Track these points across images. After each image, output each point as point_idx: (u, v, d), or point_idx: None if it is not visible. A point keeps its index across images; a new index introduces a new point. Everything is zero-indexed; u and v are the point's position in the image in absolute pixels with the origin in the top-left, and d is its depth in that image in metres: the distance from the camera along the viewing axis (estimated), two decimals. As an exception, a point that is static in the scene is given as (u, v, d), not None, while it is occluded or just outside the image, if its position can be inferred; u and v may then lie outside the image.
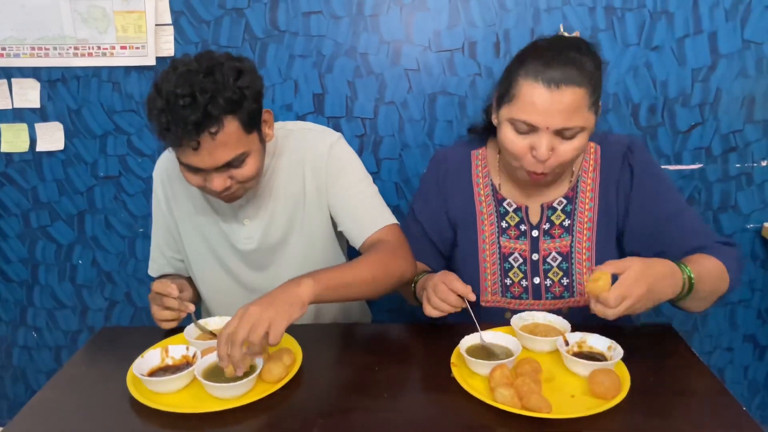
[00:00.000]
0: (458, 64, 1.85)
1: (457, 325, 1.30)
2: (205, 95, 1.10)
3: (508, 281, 1.38)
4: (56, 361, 2.25)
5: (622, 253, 1.38)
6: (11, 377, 2.27)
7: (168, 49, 1.86)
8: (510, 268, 1.38)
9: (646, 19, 1.78)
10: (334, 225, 1.46)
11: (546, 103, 1.17)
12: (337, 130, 1.89)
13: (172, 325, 1.32)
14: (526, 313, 1.27)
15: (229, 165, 1.19)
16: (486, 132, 1.45)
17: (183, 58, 1.18)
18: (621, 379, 1.05)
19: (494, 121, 1.32)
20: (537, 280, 1.37)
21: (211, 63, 1.15)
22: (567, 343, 1.16)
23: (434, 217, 1.46)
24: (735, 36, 1.79)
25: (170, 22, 1.85)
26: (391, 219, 1.41)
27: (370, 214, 1.39)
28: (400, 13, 1.82)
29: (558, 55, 1.18)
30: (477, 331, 1.20)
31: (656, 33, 1.79)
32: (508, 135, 1.24)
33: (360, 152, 1.94)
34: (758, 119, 1.85)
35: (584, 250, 1.36)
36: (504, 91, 1.25)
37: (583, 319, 1.25)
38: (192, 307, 1.29)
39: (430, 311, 1.23)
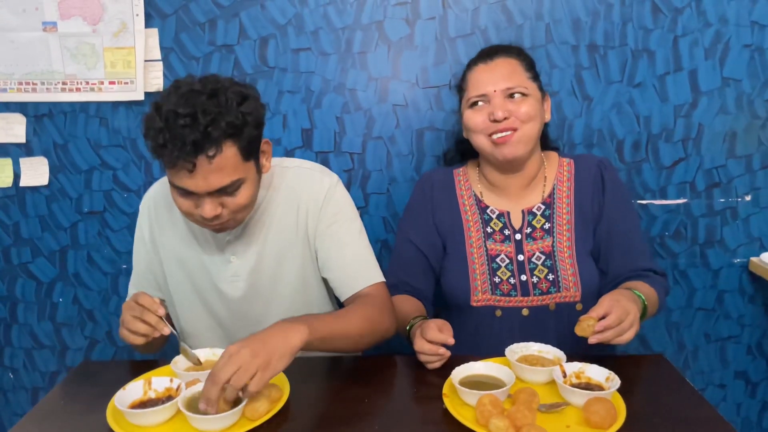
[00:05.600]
0: (445, 100, 1.88)
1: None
2: (207, 117, 1.08)
3: (497, 279, 1.47)
4: (33, 404, 2.16)
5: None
6: (-16, 421, 2.19)
7: (157, 84, 1.87)
8: (498, 267, 1.48)
9: (628, 57, 1.83)
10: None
11: (486, 73, 1.46)
12: (325, 165, 1.92)
13: (140, 341, 1.20)
14: (520, 344, 1.25)
15: (223, 191, 1.16)
16: (462, 158, 1.66)
17: (186, 79, 1.16)
18: (617, 409, 1.03)
19: (464, 134, 1.54)
20: (524, 278, 1.46)
21: (215, 86, 1.13)
22: (565, 374, 1.14)
23: (425, 231, 1.57)
24: (714, 73, 1.83)
25: (159, 58, 1.86)
26: (380, 276, 1.39)
27: (360, 269, 1.38)
28: (388, 50, 1.85)
29: (490, 47, 1.55)
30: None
31: (638, 70, 1.83)
32: (469, 116, 1.47)
33: (348, 187, 1.93)
34: (740, 155, 1.88)
35: (565, 249, 1.48)
36: (461, 92, 1.53)
37: (571, 347, 1.24)
38: (168, 330, 1.20)
39: (427, 364, 1.28)
